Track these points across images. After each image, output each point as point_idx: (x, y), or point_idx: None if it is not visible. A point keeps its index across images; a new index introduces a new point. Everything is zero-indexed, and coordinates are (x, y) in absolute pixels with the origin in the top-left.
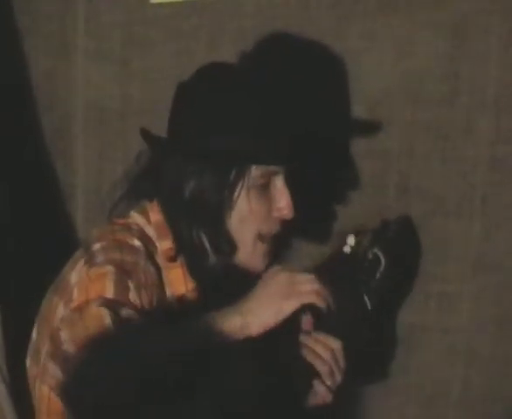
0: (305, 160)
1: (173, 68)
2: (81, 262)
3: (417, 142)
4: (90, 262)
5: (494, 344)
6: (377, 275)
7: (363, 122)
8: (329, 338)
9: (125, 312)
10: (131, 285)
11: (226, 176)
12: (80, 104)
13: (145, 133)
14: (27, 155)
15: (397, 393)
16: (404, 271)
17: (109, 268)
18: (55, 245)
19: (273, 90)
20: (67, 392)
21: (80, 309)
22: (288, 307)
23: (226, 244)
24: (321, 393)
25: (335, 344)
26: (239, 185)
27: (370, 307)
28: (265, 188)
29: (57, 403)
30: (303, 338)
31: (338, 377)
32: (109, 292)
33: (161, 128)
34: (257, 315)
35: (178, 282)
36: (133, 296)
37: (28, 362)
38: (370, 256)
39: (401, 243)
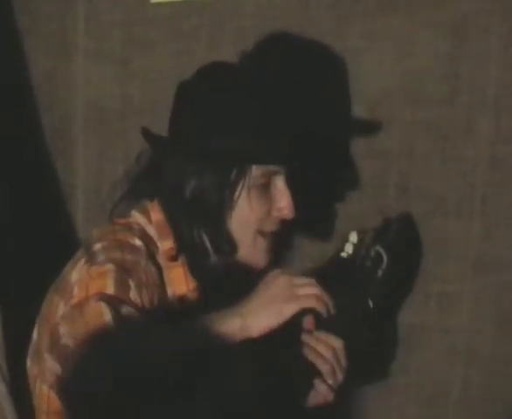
0: (305, 160)
1: (173, 68)
2: (82, 261)
3: (417, 142)
4: (91, 261)
5: (494, 344)
6: (379, 272)
7: (363, 122)
8: (331, 337)
9: (125, 309)
10: (132, 283)
11: (227, 176)
12: (80, 104)
13: (146, 133)
14: (27, 155)
15: (397, 393)
16: (406, 269)
17: (110, 266)
18: (55, 245)
19: (273, 90)
20: (65, 387)
21: (80, 305)
22: (288, 311)
23: (227, 244)
24: (322, 392)
25: (337, 343)
26: (240, 185)
27: (371, 306)
28: (265, 188)
29: (56, 402)
30: (305, 337)
31: (340, 376)
32: (110, 290)
33: (161, 128)
34: (257, 317)
35: (179, 281)
36: (133, 295)
37: (28, 362)
38: (373, 253)
39: (403, 240)
